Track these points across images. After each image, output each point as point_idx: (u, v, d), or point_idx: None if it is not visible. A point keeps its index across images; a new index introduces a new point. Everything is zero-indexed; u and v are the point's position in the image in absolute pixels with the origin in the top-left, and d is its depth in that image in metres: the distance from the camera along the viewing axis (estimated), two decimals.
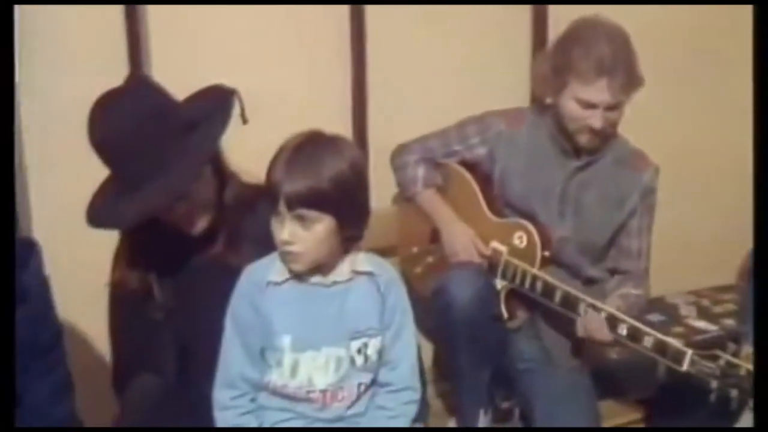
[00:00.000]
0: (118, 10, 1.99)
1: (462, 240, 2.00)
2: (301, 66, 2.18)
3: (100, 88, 1.54)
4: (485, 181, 2.05)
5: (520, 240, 1.96)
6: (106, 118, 1.49)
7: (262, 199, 1.58)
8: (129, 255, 1.64)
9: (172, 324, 1.67)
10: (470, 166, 2.07)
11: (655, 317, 2.36)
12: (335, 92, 2.23)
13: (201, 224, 1.61)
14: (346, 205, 1.47)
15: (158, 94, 1.55)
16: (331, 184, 1.45)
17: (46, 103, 1.95)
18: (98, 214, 1.56)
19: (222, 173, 1.63)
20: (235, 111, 1.58)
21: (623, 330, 1.79)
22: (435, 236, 2.09)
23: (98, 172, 1.57)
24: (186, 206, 1.58)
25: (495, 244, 1.99)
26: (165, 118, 1.52)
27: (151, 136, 1.48)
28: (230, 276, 1.59)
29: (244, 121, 1.58)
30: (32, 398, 1.47)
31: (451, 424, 1.96)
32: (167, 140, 1.50)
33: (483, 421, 1.95)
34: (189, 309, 1.65)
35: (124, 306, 1.68)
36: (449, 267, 1.93)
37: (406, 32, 2.27)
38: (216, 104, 1.57)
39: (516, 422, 2.07)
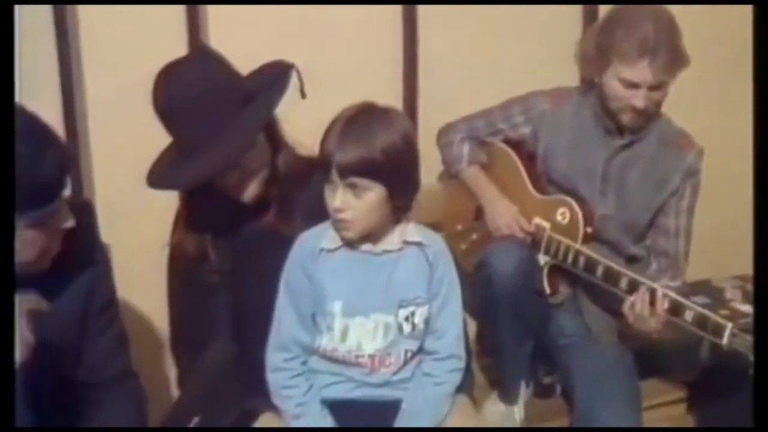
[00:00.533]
0: None
1: (505, 216, 2.03)
2: (354, 45, 2.24)
3: (159, 61, 1.61)
4: (529, 159, 2.08)
5: (563, 216, 1.99)
6: (169, 86, 1.55)
7: (315, 170, 1.64)
8: (187, 219, 1.71)
9: (227, 288, 1.73)
10: (514, 144, 2.11)
11: (700, 299, 2.35)
12: (387, 74, 2.28)
13: (252, 191, 1.66)
14: (396, 174, 1.52)
15: (221, 65, 1.61)
16: (382, 153, 1.49)
17: (109, 74, 2.05)
18: (158, 177, 1.63)
19: (276, 143, 1.68)
20: (295, 85, 1.63)
21: (665, 304, 1.81)
22: (479, 213, 2.13)
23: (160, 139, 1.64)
24: (239, 174, 1.63)
25: (538, 220, 2.02)
26: (226, 88, 1.57)
27: (212, 105, 1.54)
28: (281, 244, 1.64)
29: (303, 95, 1.64)
30: (91, 354, 1.56)
31: (493, 397, 2.00)
32: (226, 109, 1.56)
33: (524, 394, 1.99)
34: (242, 274, 1.72)
35: (181, 268, 1.75)
36: (492, 242, 1.97)
37: (457, 15, 2.31)
38: (274, 77, 1.63)
39: (557, 397, 2.11)
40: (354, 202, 1.51)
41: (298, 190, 1.70)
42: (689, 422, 2.18)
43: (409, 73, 2.29)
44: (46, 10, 1.99)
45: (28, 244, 1.32)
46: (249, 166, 1.64)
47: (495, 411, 1.96)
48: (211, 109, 1.54)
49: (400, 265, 1.59)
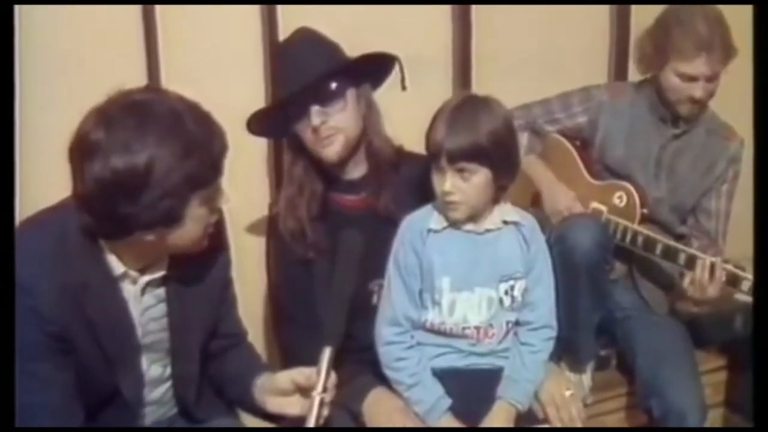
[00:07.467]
0: None
1: (563, 199, 2.16)
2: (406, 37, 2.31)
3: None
4: (583, 148, 2.23)
5: (620, 199, 2.14)
6: (289, 45, 1.81)
7: (403, 161, 1.83)
8: (288, 195, 1.83)
9: (323, 264, 1.81)
10: (566, 136, 2.25)
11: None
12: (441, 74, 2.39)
13: (336, 149, 1.76)
14: (500, 157, 1.65)
15: (325, 41, 1.80)
16: (488, 139, 1.63)
17: None
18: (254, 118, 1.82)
19: (370, 120, 1.81)
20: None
21: (723, 277, 1.97)
22: (535, 201, 2.27)
23: None
24: (325, 125, 1.73)
25: (595, 205, 2.17)
26: (330, 53, 1.77)
27: (313, 59, 1.73)
28: (376, 225, 1.77)
29: (404, 87, 1.77)
30: (225, 324, 1.70)
31: (561, 367, 2.11)
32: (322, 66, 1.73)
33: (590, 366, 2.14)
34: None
35: (280, 243, 1.85)
36: (566, 219, 2.09)
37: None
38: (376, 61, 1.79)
39: (612, 369, 2.26)
40: (462, 185, 1.64)
41: (389, 174, 1.84)
42: (730, 387, 2.35)
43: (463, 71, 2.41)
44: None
45: (199, 221, 1.42)
46: (335, 117, 1.74)
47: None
48: (309, 63, 1.72)
49: (501, 243, 1.72)
